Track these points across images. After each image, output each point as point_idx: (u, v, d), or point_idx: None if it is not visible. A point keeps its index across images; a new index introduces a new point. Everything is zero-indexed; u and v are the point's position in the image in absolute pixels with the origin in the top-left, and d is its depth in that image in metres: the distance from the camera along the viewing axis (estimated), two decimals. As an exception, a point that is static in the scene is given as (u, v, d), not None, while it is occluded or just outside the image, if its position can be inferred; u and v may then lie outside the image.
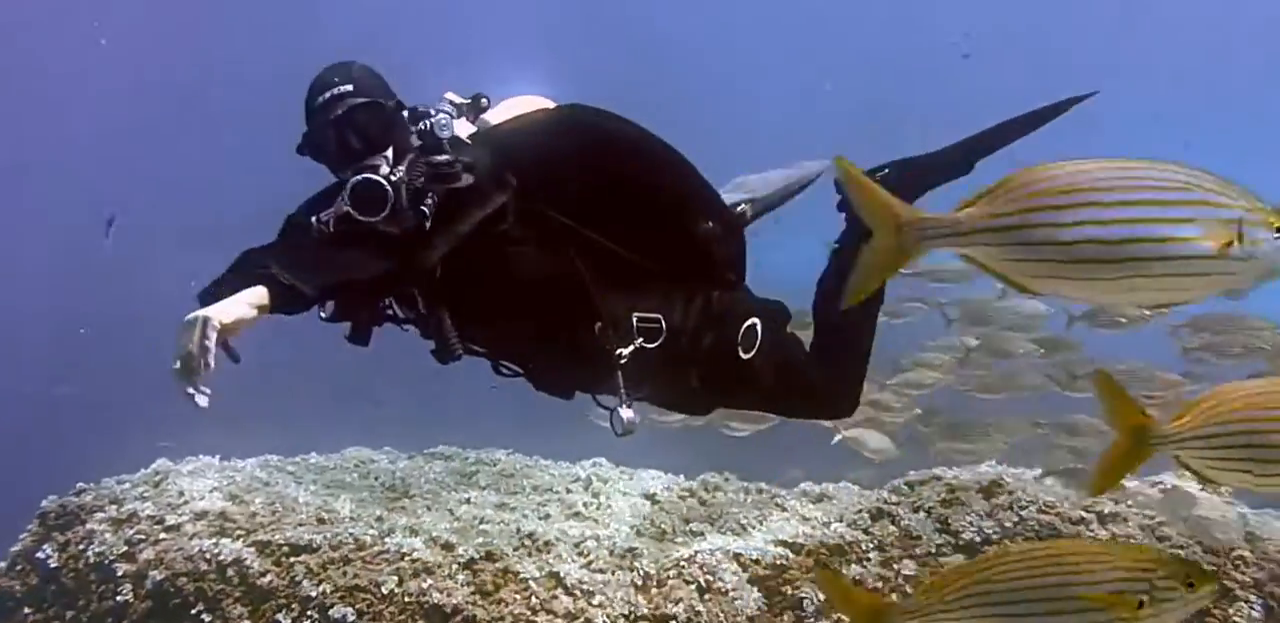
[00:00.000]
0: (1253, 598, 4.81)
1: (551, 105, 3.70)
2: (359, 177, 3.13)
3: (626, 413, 3.49)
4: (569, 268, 3.36)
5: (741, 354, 3.66)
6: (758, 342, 3.69)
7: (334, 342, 3.41)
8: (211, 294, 3.41)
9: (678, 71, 20.91)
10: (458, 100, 3.51)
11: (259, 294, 2.78)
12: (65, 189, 19.44)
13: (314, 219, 3.20)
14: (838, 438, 6.53)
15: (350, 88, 3.22)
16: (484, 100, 3.54)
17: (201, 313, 2.62)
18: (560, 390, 3.69)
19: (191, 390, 2.57)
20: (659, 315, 3.49)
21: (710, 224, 3.57)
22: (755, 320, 3.71)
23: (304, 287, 2.87)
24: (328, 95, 3.20)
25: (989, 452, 6.70)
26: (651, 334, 3.46)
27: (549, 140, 3.40)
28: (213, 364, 2.58)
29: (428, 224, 3.16)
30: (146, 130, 19.76)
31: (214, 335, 2.60)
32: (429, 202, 3.15)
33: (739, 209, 4.11)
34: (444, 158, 3.22)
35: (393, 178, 3.15)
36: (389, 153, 3.22)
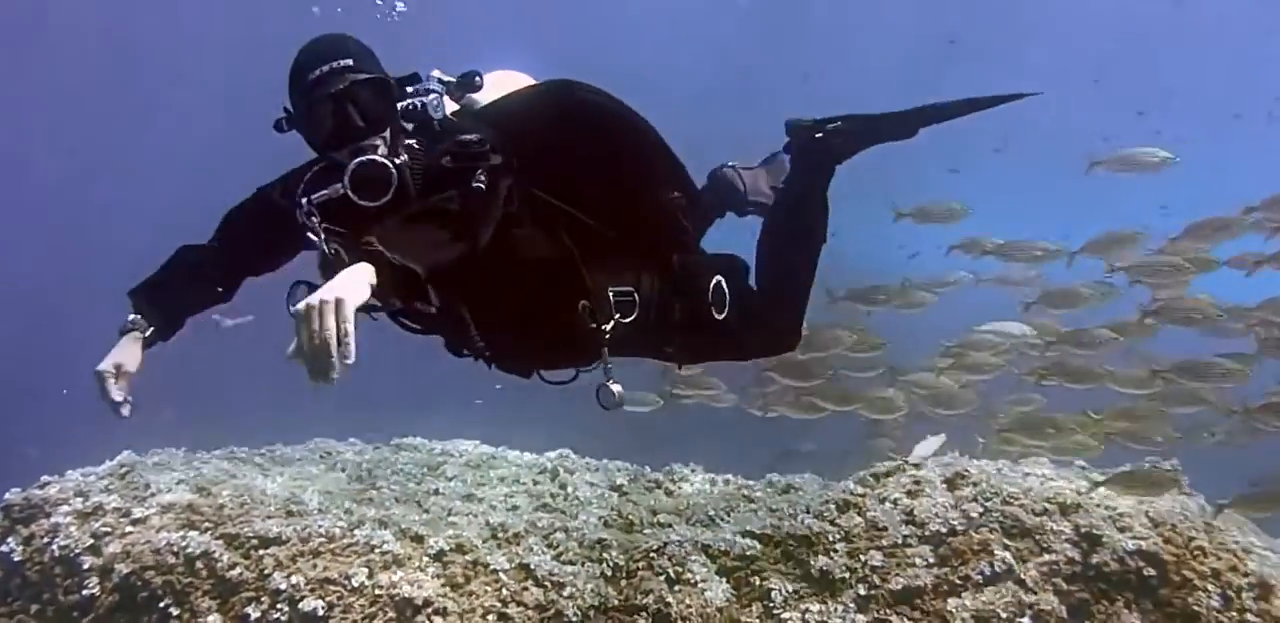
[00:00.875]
0: (1211, 587, 4.90)
1: (530, 81, 3.72)
2: (362, 159, 3.12)
3: (615, 386, 3.56)
4: (561, 247, 3.41)
5: (715, 315, 3.76)
6: (727, 299, 3.79)
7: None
8: (151, 291, 3.43)
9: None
10: (445, 78, 3.47)
11: (369, 272, 2.66)
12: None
13: (304, 200, 3.17)
14: (916, 456, 6.47)
15: (351, 62, 3.17)
16: (477, 79, 3.48)
17: (332, 295, 2.50)
18: (527, 369, 3.73)
19: (335, 375, 2.48)
20: (631, 289, 3.57)
21: (677, 194, 3.67)
22: (719, 278, 3.80)
23: (416, 267, 2.76)
24: (326, 69, 3.14)
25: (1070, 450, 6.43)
26: (626, 308, 3.55)
27: (540, 119, 3.44)
28: (353, 351, 2.49)
29: (486, 203, 3.12)
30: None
31: (353, 318, 2.50)
32: (481, 180, 3.10)
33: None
34: (473, 137, 3.21)
35: (396, 161, 3.14)
36: (386, 133, 3.20)
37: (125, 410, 3.20)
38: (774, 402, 7.52)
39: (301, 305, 2.48)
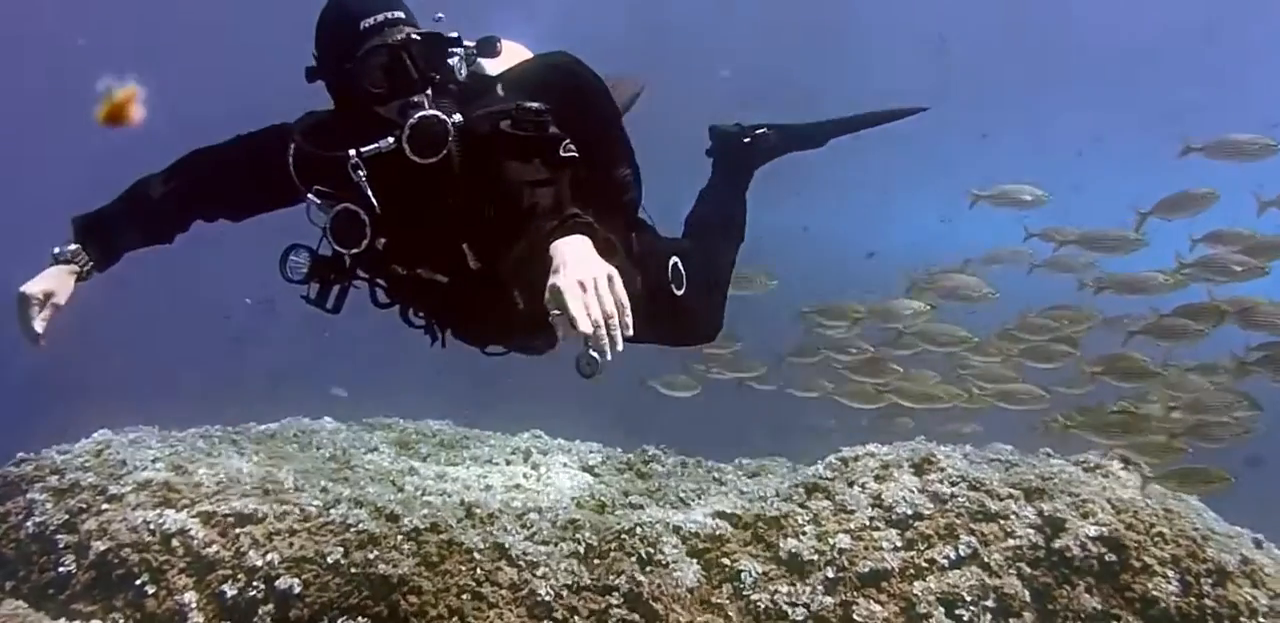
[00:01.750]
0: (1170, 573, 5.00)
1: (526, 51, 3.76)
2: (423, 114, 3.14)
3: (595, 354, 3.60)
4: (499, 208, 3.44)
5: (675, 291, 3.87)
6: (685, 278, 3.91)
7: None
8: (100, 223, 3.42)
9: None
10: (467, 42, 3.44)
11: (590, 244, 2.77)
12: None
13: (352, 152, 3.18)
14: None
15: (403, 14, 3.20)
16: (498, 45, 3.45)
17: (602, 270, 2.63)
18: (496, 342, 3.78)
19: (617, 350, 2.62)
20: None
21: (627, 170, 3.75)
22: (676, 259, 3.91)
23: (612, 237, 2.93)
24: (381, 18, 3.15)
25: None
26: None
27: (553, 92, 3.45)
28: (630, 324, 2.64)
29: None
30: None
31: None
32: (571, 148, 3.21)
33: (759, 133, 4.60)
34: (537, 105, 3.25)
35: (453, 119, 3.17)
36: (429, 91, 3.22)
37: (43, 343, 3.16)
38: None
39: (573, 284, 2.55)
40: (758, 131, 4.67)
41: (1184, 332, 6.55)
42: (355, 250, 3.32)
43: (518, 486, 6.25)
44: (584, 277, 2.56)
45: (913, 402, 7.16)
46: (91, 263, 3.37)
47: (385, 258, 3.39)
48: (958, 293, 7.20)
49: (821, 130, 4.84)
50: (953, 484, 5.48)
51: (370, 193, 3.21)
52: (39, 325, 3.16)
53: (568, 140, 3.24)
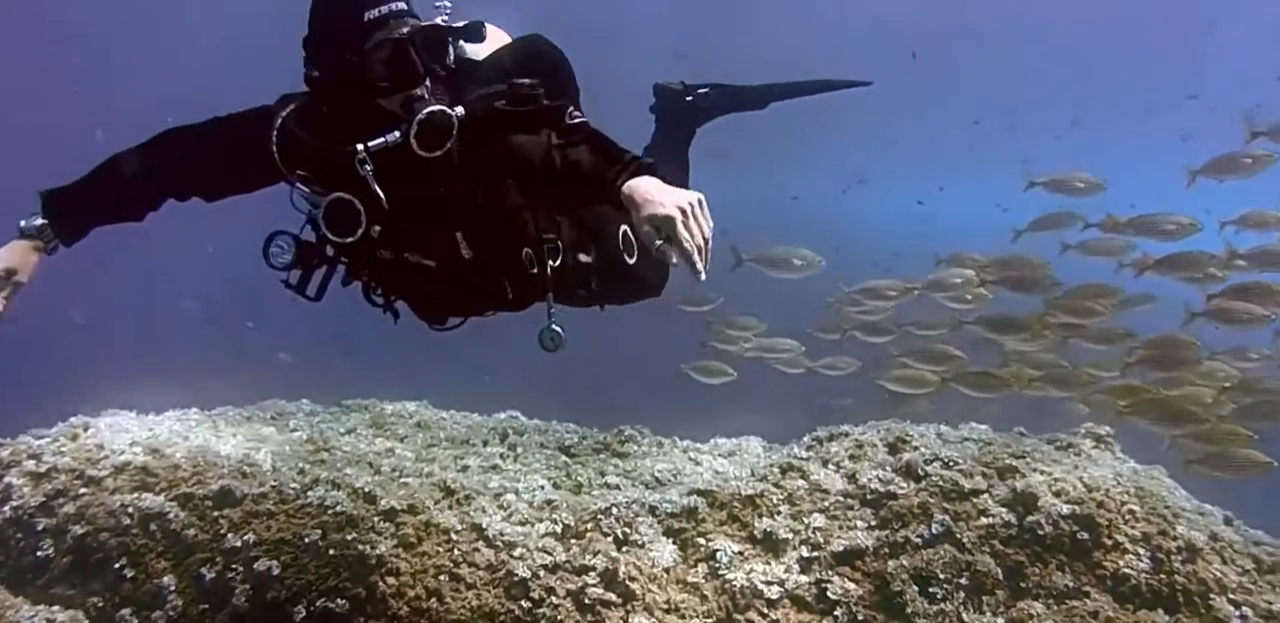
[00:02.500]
0: (1141, 551, 5.06)
1: (505, 35, 3.80)
2: (431, 109, 3.18)
3: (558, 329, 3.72)
4: (516, 195, 3.51)
5: (627, 259, 3.95)
6: (635, 245, 3.97)
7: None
8: (71, 200, 3.40)
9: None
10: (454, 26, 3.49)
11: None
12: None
13: (360, 146, 3.21)
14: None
15: (405, 5, 3.23)
16: (483, 30, 3.50)
17: (695, 195, 2.77)
18: (458, 315, 3.85)
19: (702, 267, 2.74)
20: (554, 235, 3.70)
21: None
22: (625, 227, 3.97)
23: None
24: (385, 10, 3.17)
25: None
26: (553, 254, 3.70)
27: (529, 72, 3.51)
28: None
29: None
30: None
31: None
32: (576, 115, 3.28)
33: (700, 91, 4.66)
34: (528, 81, 3.31)
35: (456, 111, 3.20)
36: (427, 82, 3.28)
37: (2, 321, 3.14)
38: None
39: (674, 211, 2.70)
40: (700, 91, 4.75)
41: (1247, 316, 6.57)
42: (350, 239, 3.35)
43: (495, 466, 6.27)
44: (681, 203, 2.72)
45: (974, 388, 7.19)
46: (58, 239, 3.36)
47: (373, 244, 3.42)
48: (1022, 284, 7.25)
49: (765, 94, 4.96)
50: (927, 463, 5.53)
51: (376, 187, 3.23)
52: (0, 306, 3.15)
53: (572, 107, 3.31)
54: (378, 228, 3.36)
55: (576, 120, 3.28)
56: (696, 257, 2.70)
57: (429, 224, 3.41)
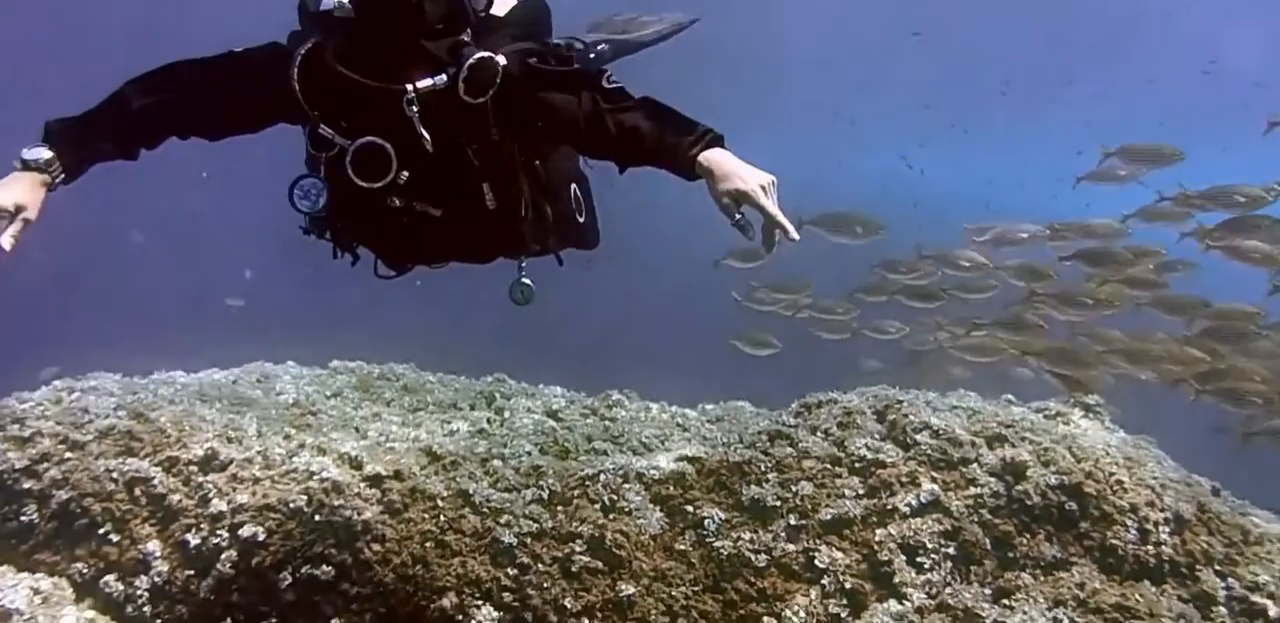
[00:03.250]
0: (1129, 522, 5.06)
1: None
2: (481, 55, 3.22)
3: (527, 281, 3.80)
4: (510, 147, 3.54)
5: (579, 219, 4.05)
6: (583, 204, 4.09)
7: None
8: (80, 132, 3.31)
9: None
10: None
11: None
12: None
13: (409, 86, 3.20)
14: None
15: None
16: None
17: (770, 176, 2.98)
18: (420, 264, 3.88)
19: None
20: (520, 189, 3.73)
21: None
22: (574, 185, 4.05)
23: None
24: None
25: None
26: (544, 206, 3.82)
27: (541, 30, 3.73)
28: None
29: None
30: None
31: None
32: (613, 80, 3.34)
33: (599, 48, 4.55)
34: (563, 41, 3.40)
35: (502, 59, 3.23)
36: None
37: (6, 259, 3.00)
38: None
39: (757, 189, 2.92)
40: (599, 46, 4.80)
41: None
42: (378, 185, 3.33)
43: (481, 431, 6.24)
44: (763, 182, 2.94)
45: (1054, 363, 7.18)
46: (64, 174, 3.24)
47: (388, 192, 3.40)
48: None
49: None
50: (915, 432, 5.50)
51: (422, 129, 3.23)
52: (6, 241, 3.01)
53: (610, 72, 3.35)
54: (405, 174, 3.34)
55: (615, 84, 3.32)
56: (786, 222, 2.91)
57: (457, 173, 3.41)
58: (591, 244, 4.39)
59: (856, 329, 8.17)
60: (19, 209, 3.05)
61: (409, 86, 3.18)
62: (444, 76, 3.19)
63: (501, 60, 3.24)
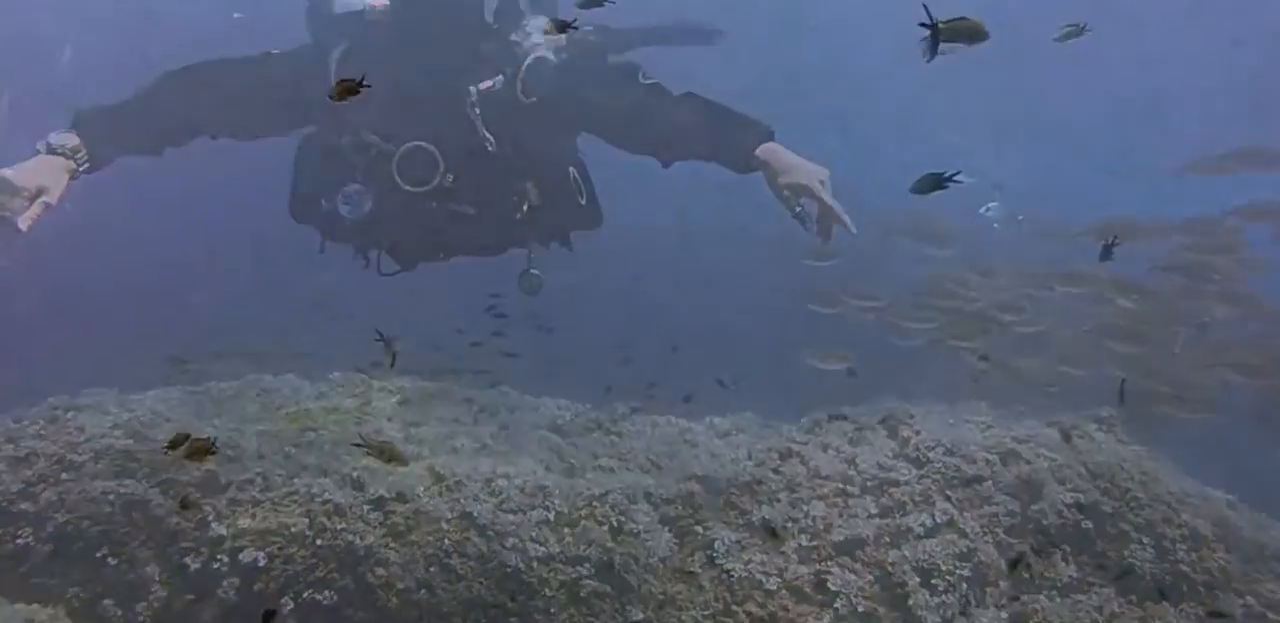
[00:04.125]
0: (1145, 540, 4.98)
1: None
2: (539, 55, 3.30)
3: (536, 272, 3.80)
4: (560, 144, 3.62)
5: (581, 202, 4.06)
6: (583, 187, 4.09)
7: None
8: (111, 122, 3.24)
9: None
10: None
11: None
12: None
13: (470, 88, 3.25)
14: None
15: None
16: None
17: (826, 173, 3.15)
18: (442, 258, 3.87)
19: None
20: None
21: None
22: (572, 168, 4.05)
23: None
24: None
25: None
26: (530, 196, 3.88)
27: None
28: None
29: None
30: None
31: None
32: (649, 75, 3.47)
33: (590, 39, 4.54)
34: (595, 38, 3.49)
35: (558, 57, 3.26)
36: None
37: (19, 239, 2.94)
38: None
39: (815, 183, 3.05)
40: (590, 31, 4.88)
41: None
42: (424, 189, 3.32)
43: (484, 446, 6.13)
44: (821, 176, 3.07)
45: None
46: (88, 163, 3.17)
47: (431, 194, 3.39)
48: None
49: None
50: (928, 449, 5.42)
51: (484, 130, 3.23)
52: (24, 223, 2.94)
53: (643, 69, 3.38)
54: (451, 177, 3.32)
55: (651, 80, 3.42)
56: (845, 216, 3.03)
57: (505, 172, 3.43)
58: (595, 224, 4.38)
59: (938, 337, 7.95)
60: (41, 192, 3.00)
61: (471, 89, 3.16)
62: (501, 77, 3.19)
63: (553, 58, 3.30)
